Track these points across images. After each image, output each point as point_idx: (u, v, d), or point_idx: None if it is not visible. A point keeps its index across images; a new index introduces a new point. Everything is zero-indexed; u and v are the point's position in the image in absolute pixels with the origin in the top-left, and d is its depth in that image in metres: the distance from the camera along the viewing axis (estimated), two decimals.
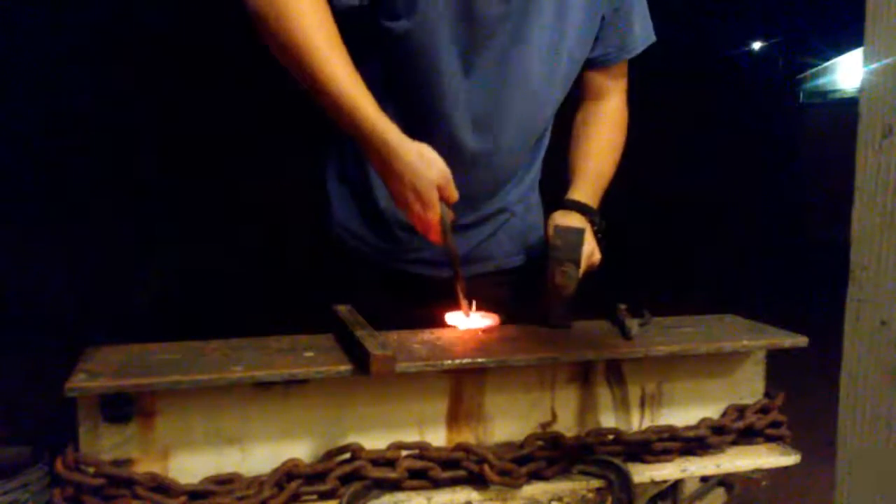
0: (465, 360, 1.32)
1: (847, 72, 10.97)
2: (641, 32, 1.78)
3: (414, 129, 1.48)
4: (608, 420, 1.45)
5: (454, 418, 1.37)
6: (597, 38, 1.73)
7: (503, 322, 1.56)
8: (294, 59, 1.42)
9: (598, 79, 1.82)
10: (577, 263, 1.56)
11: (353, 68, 1.43)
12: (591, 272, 1.65)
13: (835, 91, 11.21)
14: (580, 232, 1.58)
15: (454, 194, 1.46)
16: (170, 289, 5.59)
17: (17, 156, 5.09)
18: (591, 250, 1.62)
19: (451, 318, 1.55)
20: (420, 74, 1.58)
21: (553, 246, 1.57)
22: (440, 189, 1.44)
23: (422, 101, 1.60)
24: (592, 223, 1.68)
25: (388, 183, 1.47)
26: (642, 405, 1.47)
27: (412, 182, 1.42)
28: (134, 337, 1.41)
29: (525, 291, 1.65)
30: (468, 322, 1.54)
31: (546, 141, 1.84)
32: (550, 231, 1.60)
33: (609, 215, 1.70)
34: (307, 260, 1.97)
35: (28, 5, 5.04)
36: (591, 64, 1.78)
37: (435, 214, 1.44)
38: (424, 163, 1.43)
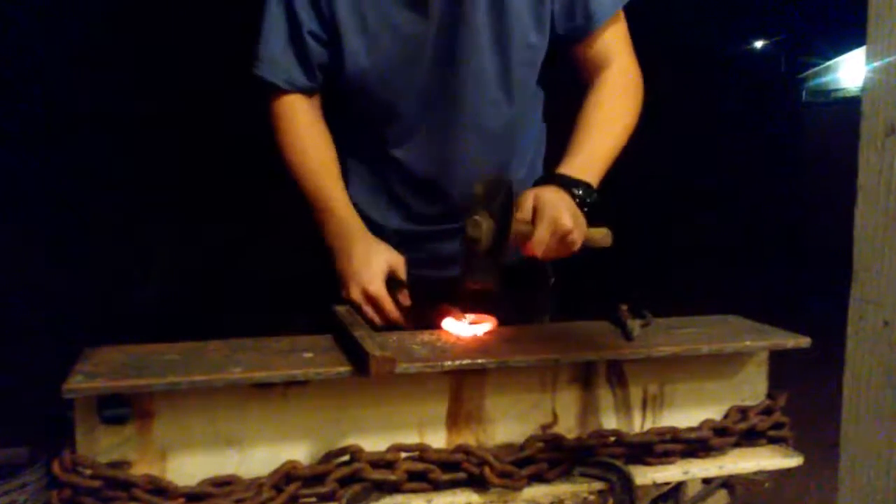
0: (465, 361, 1.31)
1: (850, 71, 10.95)
2: None
3: (376, 158, 1.70)
4: (609, 422, 1.44)
5: (454, 420, 1.36)
6: (557, 15, 1.66)
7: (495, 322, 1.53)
8: (302, 173, 1.71)
9: (585, 51, 1.72)
10: (494, 216, 1.41)
11: (338, 184, 1.70)
12: (566, 248, 1.51)
13: (837, 90, 11.19)
14: (503, 183, 1.44)
15: (402, 277, 1.62)
16: (170, 289, 5.59)
17: (17, 156, 5.09)
18: (552, 217, 1.45)
19: (448, 324, 1.52)
20: (368, 109, 1.70)
21: (472, 195, 1.45)
22: (391, 271, 1.61)
23: (377, 131, 1.71)
24: (572, 195, 1.53)
25: (337, 264, 1.64)
26: (644, 406, 1.46)
27: (357, 270, 1.60)
28: (133, 337, 1.41)
29: (514, 289, 1.60)
30: (465, 328, 1.51)
31: (533, 132, 1.81)
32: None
33: (609, 215, 1.66)
34: (311, 260, 1.97)
35: (27, 6, 5.04)
36: (568, 40, 1.70)
37: (377, 292, 1.57)
38: (376, 250, 1.62)
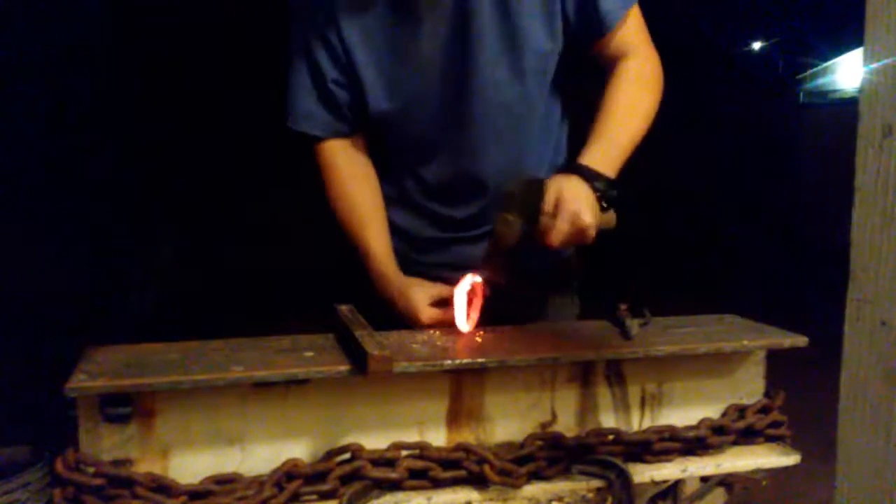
0: (465, 360, 1.32)
1: (847, 72, 10.96)
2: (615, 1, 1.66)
3: (402, 177, 1.76)
4: (608, 420, 1.45)
5: (454, 418, 1.36)
6: (572, 18, 1.66)
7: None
8: (343, 226, 1.76)
9: (604, 48, 1.72)
10: (526, 216, 1.47)
11: (378, 236, 1.74)
12: (583, 240, 1.54)
13: (835, 91, 11.20)
14: (538, 183, 1.50)
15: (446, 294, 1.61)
16: (170, 289, 5.58)
17: (17, 156, 5.08)
18: (574, 211, 1.49)
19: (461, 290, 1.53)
20: (389, 139, 1.75)
21: (505, 193, 1.50)
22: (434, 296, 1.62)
23: (399, 154, 1.77)
24: (594, 188, 1.55)
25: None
26: (642, 405, 1.47)
27: (405, 312, 1.63)
28: (134, 337, 1.41)
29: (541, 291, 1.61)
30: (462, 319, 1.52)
31: (552, 133, 1.81)
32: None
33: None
34: (323, 261, 1.98)
35: (27, 5, 5.03)
36: (585, 40, 1.70)
37: (429, 319, 1.58)
38: (410, 289, 1.65)
